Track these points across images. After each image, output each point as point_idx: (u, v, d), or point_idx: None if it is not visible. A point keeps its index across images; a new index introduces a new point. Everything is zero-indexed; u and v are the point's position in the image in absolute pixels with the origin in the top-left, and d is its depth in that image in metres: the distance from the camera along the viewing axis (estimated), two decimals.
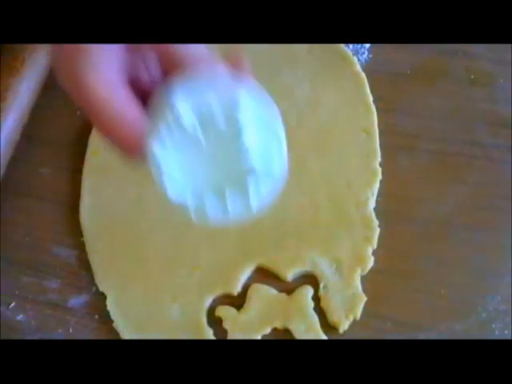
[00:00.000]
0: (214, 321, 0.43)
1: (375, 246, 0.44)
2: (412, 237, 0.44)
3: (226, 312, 0.43)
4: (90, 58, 0.31)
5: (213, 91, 0.29)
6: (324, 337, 0.42)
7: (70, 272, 0.46)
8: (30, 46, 0.50)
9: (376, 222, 0.44)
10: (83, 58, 0.31)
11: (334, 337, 0.42)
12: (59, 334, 0.44)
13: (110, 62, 0.32)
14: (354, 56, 0.50)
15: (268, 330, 0.42)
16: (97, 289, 0.45)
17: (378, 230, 0.44)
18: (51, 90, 0.52)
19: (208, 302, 0.43)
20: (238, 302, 0.43)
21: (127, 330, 0.43)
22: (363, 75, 0.49)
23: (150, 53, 0.33)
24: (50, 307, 0.45)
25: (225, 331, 0.42)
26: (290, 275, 0.43)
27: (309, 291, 0.43)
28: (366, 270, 0.43)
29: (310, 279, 0.43)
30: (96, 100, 0.31)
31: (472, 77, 0.48)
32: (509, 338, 0.41)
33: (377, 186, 0.45)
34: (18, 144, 0.49)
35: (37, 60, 0.50)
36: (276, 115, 0.29)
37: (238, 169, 0.30)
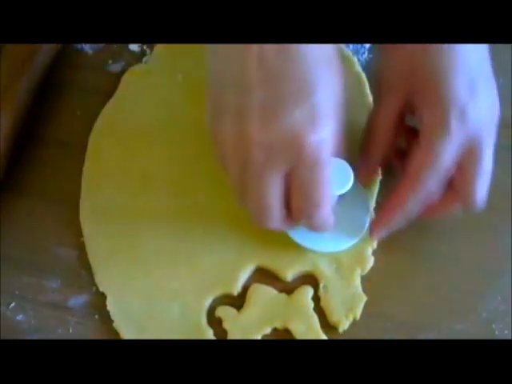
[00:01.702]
0: (214, 321, 0.43)
1: (375, 246, 0.44)
2: (412, 237, 0.44)
3: (226, 312, 0.43)
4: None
5: None
6: (324, 337, 0.42)
7: (70, 272, 0.46)
8: (30, 46, 0.50)
9: None
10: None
11: (334, 337, 0.42)
12: (59, 334, 0.44)
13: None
14: (354, 56, 0.50)
15: (268, 330, 0.42)
16: (97, 289, 0.44)
17: None
18: (51, 90, 0.52)
19: (208, 302, 0.43)
20: (238, 302, 0.43)
21: (127, 330, 0.43)
22: (363, 75, 0.49)
23: None
24: (50, 307, 0.45)
25: (225, 331, 0.42)
26: (289, 275, 0.43)
27: (309, 291, 0.43)
28: (366, 270, 0.43)
29: (310, 279, 0.43)
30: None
31: None
32: (509, 337, 0.41)
33: (377, 186, 0.45)
34: (18, 144, 0.49)
35: (37, 60, 0.50)
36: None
37: None
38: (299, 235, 0.43)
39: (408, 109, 0.40)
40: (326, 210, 0.38)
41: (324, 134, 0.36)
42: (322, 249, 0.43)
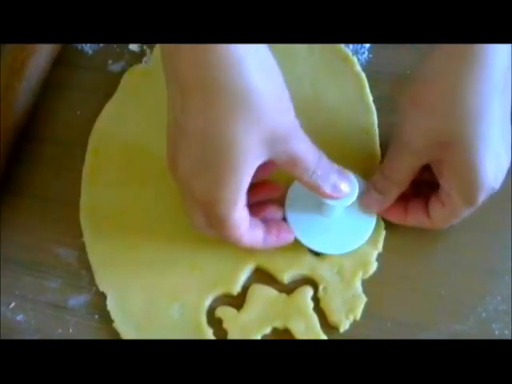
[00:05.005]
0: (214, 321, 0.43)
1: (381, 250, 0.44)
2: (412, 237, 0.44)
3: (226, 312, 0.43)
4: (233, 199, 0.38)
5: None
6: (324, 337, 0.42)
7: (70, 272, 0.46)
8: (30, 46, 0.50)
9: (382, 224, 0.44)
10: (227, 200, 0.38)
11: (334, 337, 0.42)
12: (59, 333, 0.44)
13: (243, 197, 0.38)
14: (354, 56, 0.50)
15: (268, 330, 0.42)
16: (97, 289, 0.44)
17: (383, 233, 0.44)
18: (51, 90, 0.52)
19: (208, 302, 0.43)
20: (238, 301, 0.43)
21: (127, 330, 0.43)
22: (363, 75, 0.49)
23: None
24: (50, 307, 0.45)
25: (225, 331, 0.42)
26: (286, 278, 0.43)
27: (308, 291, 0.43)
28: (368, 275, 0.43)
29: (310, 280, 0.43)
30: (237, 235, 0.40)
31: None
32: (509, 337, 0.41)
33: None
34: (18, 144, 0.49)
35: (37, 60, 0.50)
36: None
37: None
38: (304, 235, 0.43)
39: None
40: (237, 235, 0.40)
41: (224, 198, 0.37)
42: (326, 250, 0.43)
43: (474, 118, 0.37)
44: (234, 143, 0.35)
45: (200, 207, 0.39)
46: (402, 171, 0.41)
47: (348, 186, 0.40)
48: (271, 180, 0.42)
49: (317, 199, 0.41)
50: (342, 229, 0.43)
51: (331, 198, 0.40)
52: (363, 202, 0.43)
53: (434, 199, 0.41)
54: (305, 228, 0.43)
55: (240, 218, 0.39)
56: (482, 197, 0.40)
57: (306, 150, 0.39)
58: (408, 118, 0.40)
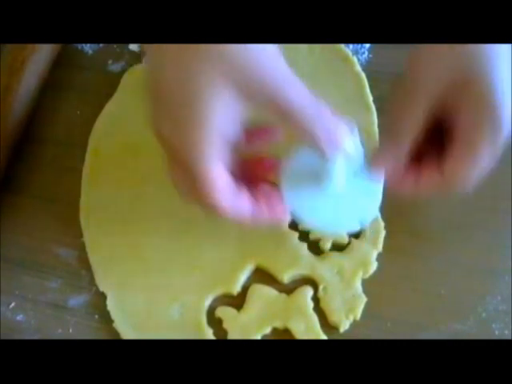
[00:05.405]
0: (214, 321, 0.43)
1: (381, 249, 0.44)
2: (412, 237, 0.44)
3: (226, 312, 0.43)
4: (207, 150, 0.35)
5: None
6: (324, 337, 0.42)
7: (70, 272, 0.46)
8: (30, 46, 0.50)
9: (382, 224, 0.44)
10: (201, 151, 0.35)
11: (334, 337, 0.42)
12: (59, 333, 0.44)
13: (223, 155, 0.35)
14: (354, 56, 0.50)
15: (268, 330, 0.42)
16: (97, 289, 0.45)
17: (383, 233, 0.44)
18: (51, 90, 0.52)
19: (208, 302, 0.43)
20: (238, 302, 0.43)
21: (127, 330, 0.43)
22: (363, 75, 0.49)
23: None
24: (50, 307, 0.45)
25: (225, 331, 0.42)
26: (286, 277, 0.43)
27: (308, 291, 0.43)
28: (368, 275, 0.43)
29: (310, 280, 0.43)
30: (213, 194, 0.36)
31: None
32: (509, 337, 0.41)
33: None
34: (18, 144, 0.49)
35: (37, 60, 0.50)
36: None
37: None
38: (301, 211, 0.40)
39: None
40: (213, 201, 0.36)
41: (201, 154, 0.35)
42: (325, 228, 0.42)
43: (484, 50, 0.37)
44: (200, 85, 0.33)
45: (179, 168, 0.36)
46: (413, 120, 0.38)
47: (351, 140, 0.36)
48: (266, 155, 0.41)
49: (315, 172, 0.38)
50: (343, 206, 0.40)
51: (331, 150, 0.36)
52: (373, 162, 0.39)
53: (450, 150, 0.38)
54: (302, 204, 0.40)
55: (216, 176, 0.35)
56: (502, 132, 0.37)
57: (297, 97, 0.34)
58: (418, 61, 0.38)
